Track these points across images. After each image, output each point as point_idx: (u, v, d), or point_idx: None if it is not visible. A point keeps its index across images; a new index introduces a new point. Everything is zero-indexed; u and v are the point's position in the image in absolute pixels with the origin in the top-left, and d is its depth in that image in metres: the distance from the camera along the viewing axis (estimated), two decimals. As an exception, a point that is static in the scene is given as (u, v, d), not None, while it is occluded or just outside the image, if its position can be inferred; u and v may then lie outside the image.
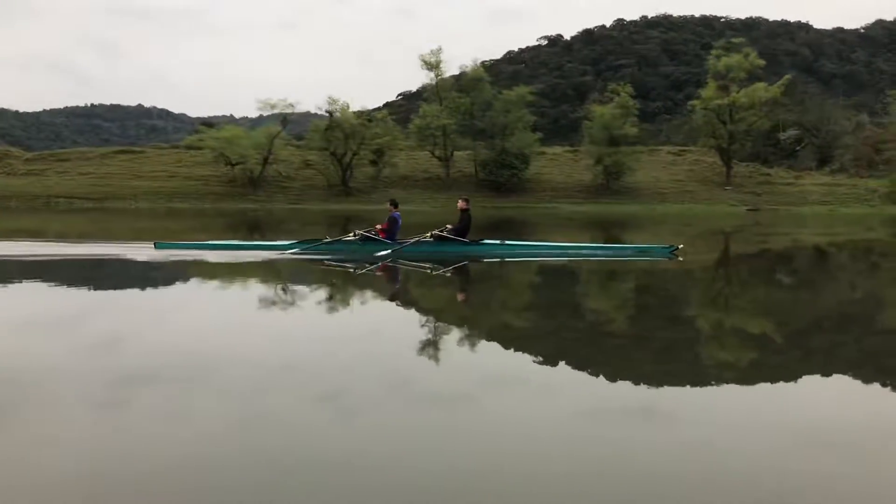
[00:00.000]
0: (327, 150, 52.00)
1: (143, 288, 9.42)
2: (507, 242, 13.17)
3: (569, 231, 24.44)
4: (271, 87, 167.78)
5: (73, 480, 3.05)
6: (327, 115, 53.09)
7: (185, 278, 10.65)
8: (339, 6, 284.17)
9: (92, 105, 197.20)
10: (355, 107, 54.22)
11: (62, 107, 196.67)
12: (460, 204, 12.92)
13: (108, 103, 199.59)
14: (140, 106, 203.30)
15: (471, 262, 12.02)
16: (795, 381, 4.86)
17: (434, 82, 54.69)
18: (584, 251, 13.89)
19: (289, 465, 3.16)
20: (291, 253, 12.30)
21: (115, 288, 9.55)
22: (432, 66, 54.08)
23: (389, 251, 12.08)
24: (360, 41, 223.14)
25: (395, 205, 13.15)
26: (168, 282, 10.19)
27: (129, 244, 14.33)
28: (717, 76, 54.12)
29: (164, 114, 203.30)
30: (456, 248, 12.44)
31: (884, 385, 4.73)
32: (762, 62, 54.26)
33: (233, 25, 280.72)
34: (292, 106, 53.31)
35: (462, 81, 55.26)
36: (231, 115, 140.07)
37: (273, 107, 52.97)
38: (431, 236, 12.44)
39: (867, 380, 4.88)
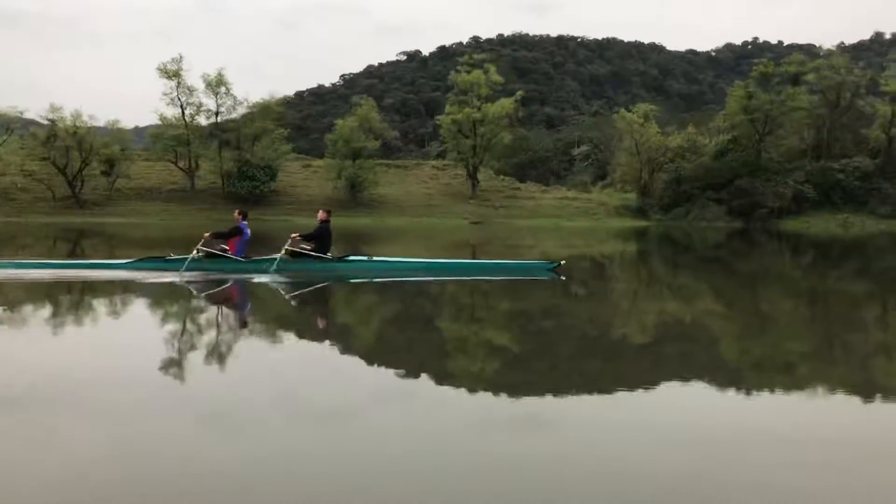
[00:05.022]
0: (48, 160, 49.70)
1: None
2: (376, 259, 12.39)
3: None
4: (150, 98, 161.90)
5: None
6: (48, 122, 50.92)
7: (31, 300, 9.46)
8: (219, 17, 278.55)
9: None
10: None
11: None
12: (321, 215, 12.04)
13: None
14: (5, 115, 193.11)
15: (336, 283, 11.25)
16: (654, 387, 5.07)
17: (175, 91, 53.09)
18: (462, 268, 13.01)
19: (170, 488, 3.03)
20: (129, 270, 11.48)
21: None
22: (172, 74, 52.51)
23: (274, 270, 11.14)
24: (240, 54, 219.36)
25: (244, 215, 12.00)
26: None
27: None
28: (460, 92, 54.80)
29: (31, 123, 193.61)
30: (319, 266, 11.55)
31: (738, 389, 5.05)
32: (501, 79, 55.40)
33: (110, 34, 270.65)
34: (20, 113, 50.97)
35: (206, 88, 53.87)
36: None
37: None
38: (286, 252, 11.40)
39: (720, 385, 5.18)
